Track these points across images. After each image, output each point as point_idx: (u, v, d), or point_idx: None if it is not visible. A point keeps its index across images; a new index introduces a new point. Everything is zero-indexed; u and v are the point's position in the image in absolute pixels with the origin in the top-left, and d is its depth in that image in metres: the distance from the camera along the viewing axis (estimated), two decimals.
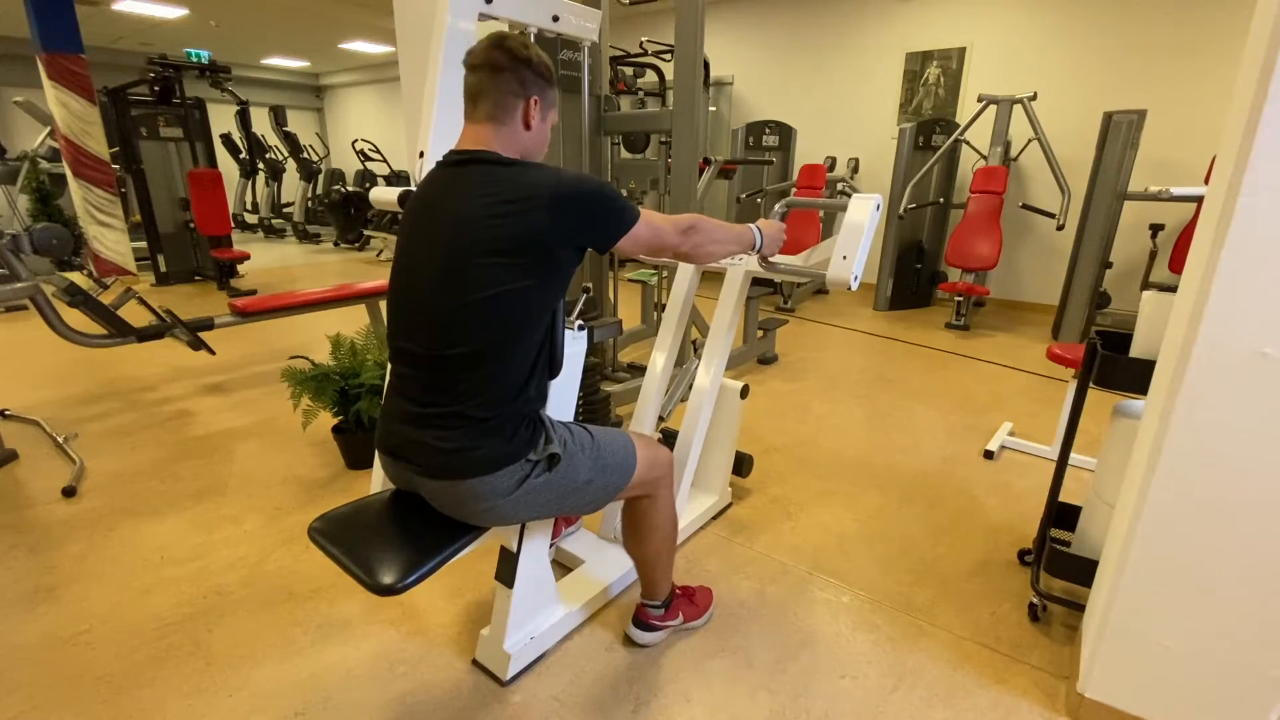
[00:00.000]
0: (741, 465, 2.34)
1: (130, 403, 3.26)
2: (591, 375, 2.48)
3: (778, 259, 1.82)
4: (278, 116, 8.85)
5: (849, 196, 1.62)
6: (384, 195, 1.90)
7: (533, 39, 1.95)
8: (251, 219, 10.12)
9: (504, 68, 1.19)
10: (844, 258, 1.56)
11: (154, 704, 1.46)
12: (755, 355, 3.93)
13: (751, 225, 1.53)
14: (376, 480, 1.94)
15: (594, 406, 2.49)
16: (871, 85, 5.97)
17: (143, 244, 6.12)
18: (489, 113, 1.20)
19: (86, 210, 5.42)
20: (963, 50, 5.45)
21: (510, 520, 1.30)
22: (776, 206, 1.83)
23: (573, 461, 1.29)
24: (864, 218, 1.55)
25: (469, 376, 1.16)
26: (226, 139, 8.31)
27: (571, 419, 1.60)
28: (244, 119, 7.87)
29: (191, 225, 6.08)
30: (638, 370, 3.48)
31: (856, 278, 1.56)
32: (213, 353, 3.30)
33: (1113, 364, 1.54)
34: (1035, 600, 1.75)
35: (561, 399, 1.54)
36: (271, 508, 2.27)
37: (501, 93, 1.20)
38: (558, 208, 1.12)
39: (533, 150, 1.27)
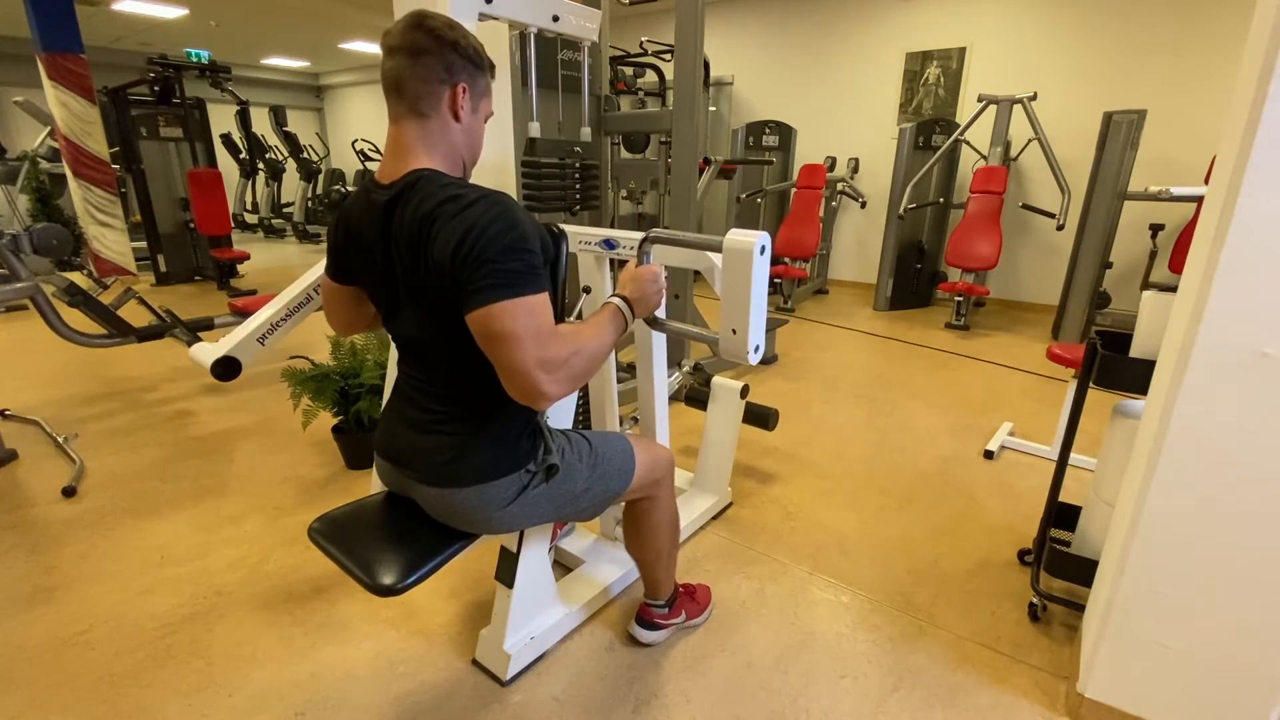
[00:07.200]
0: (767, 419, 2.26)
1: (130, 403, 3.25)
2: None
3: (666, 318, 1.38)
4: (278, 116, 8.85)
5: (727, 237, 1.16)
6: None
7: (533, 39, 1.97)
8: (251, 219, 10.11)
9: (425, 50, 1.04)
10: (733, 331, 1.19)
11: (154, 704, 1.46)
12: None
13: (612, 298, 1.23)
14: (376, 480, 1.94)
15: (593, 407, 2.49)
16: (871, 85, 5.97)
17: (143, 244, 6.12)
18: (411, 105, 1.06)
19: (86, 210, 5.42)
20: (963, 50, 5.45)
21: (505, 530, 1.29)
22: (641, 245, 1.33)
23: (570, 471, 1.28)
24: (744, 273, 1.14)
25: (470, 386, 1.16)
26: (226, 139, 8.30)
27: (571, 422, 1.60)
28: (244, 119, 7.87)
29: (191, 225, 6.09)
30: None
31: (758, 349, 1.21)
32: None
33: (1113, 364, 1.54)
34: (1035, 600, 1.75)
35: (561, 402, 1.54)
36: (271, 508, 2.27)
37: (423, 80, 1.05)
38: (454, 272, 0.99)
39: (465, 149, 1.14)
